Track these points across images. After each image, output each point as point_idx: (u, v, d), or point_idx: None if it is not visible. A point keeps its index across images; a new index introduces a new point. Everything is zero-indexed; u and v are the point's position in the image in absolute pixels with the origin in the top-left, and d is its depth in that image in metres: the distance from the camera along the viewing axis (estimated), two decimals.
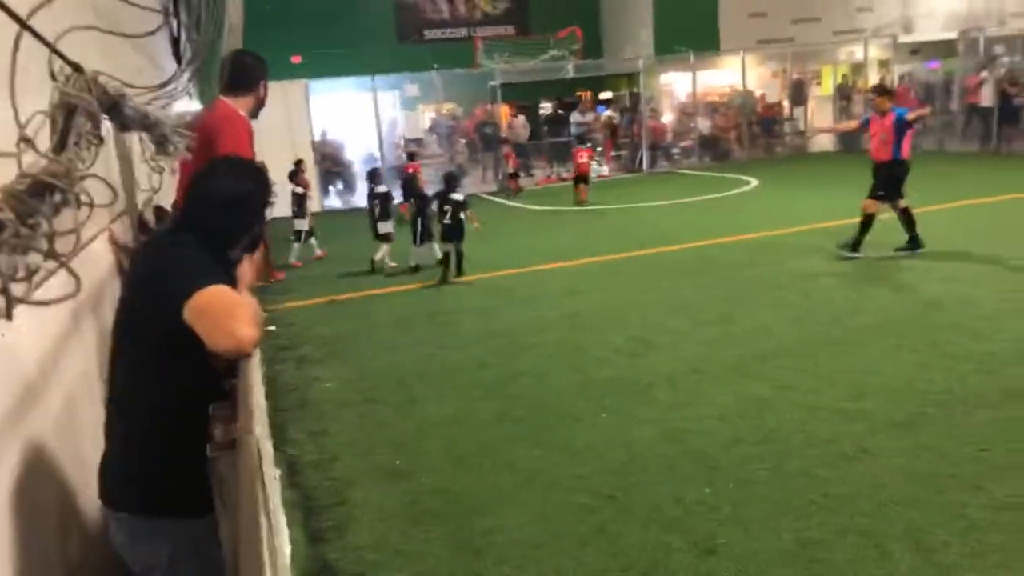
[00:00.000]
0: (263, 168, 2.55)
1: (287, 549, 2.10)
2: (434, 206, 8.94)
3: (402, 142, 17.49)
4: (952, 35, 19.35)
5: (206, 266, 2.03)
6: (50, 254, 1.25)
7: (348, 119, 17.34)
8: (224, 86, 4.03)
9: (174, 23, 9.08)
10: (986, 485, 3.56)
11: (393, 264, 9.44)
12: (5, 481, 1.95)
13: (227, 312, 1.87)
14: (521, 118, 19.56)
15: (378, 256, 9.51)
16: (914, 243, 8.08)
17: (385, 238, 9.46)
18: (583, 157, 14.23)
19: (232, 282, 2.12)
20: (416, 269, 9.25)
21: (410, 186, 10.00)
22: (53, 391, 2.40)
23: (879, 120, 8.17)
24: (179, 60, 6.32)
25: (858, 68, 20.68)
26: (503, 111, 18.49)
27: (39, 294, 1.31)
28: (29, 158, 1.26)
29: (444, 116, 18.77)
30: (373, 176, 10.11)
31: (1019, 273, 7.01)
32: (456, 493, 3.92)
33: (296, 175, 10.62)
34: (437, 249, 9.16)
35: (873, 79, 20.57)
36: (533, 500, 3.79)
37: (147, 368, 2.06)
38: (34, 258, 1.23)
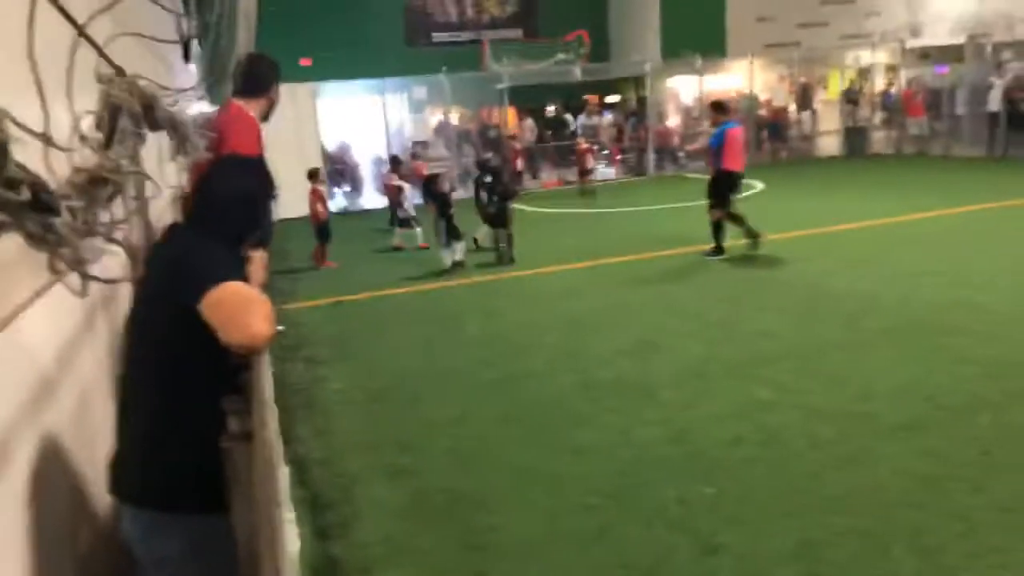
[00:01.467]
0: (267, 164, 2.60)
1: (296, 544, 2.13)
2: (483, 194, 9.75)
3: (409, 145, 17.54)
4: (960, 40, 19.33)
5: (224, 261, 2.07)
6: (110, 239, 1.32)
7: (356, 121, 17.39)
8: (237, 88, 4.09)
9: (184, 24, 9.17)
10: (988, 487, 3.59)
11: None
12: (20, 472, 1.99)
13: (243, 307, 1.91)
14: (528, 121, 19.62)
15: (480, 235, 10.33)
16: (717, 251, 8.82)
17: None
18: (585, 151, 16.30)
19: (245, 279, 2.17)
20: (457, 266, 9.45)
21: (430, 187, 10.18)
22: (68, 385, 2.45)
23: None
24: (187, 59, 6.40)
25: (865, 72, 20.66)
26: (511, 114, 18.54)
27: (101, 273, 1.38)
28: (78, 155, 1.33)
29: (457, 122, 18.74)
30: (483, 165, 10.72)
31: (1021, 277, 7.02)
32: (460, 492, 3.96)
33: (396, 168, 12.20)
34: (459, 250, 9.46)
35: (880, 84, 20.62)
36: (536, 499, 3.82)
37: (162, 362, 2.10)
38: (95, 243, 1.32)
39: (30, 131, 0.94)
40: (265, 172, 2.46)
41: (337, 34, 19.28)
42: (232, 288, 1.97)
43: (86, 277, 1.22)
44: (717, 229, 8.82)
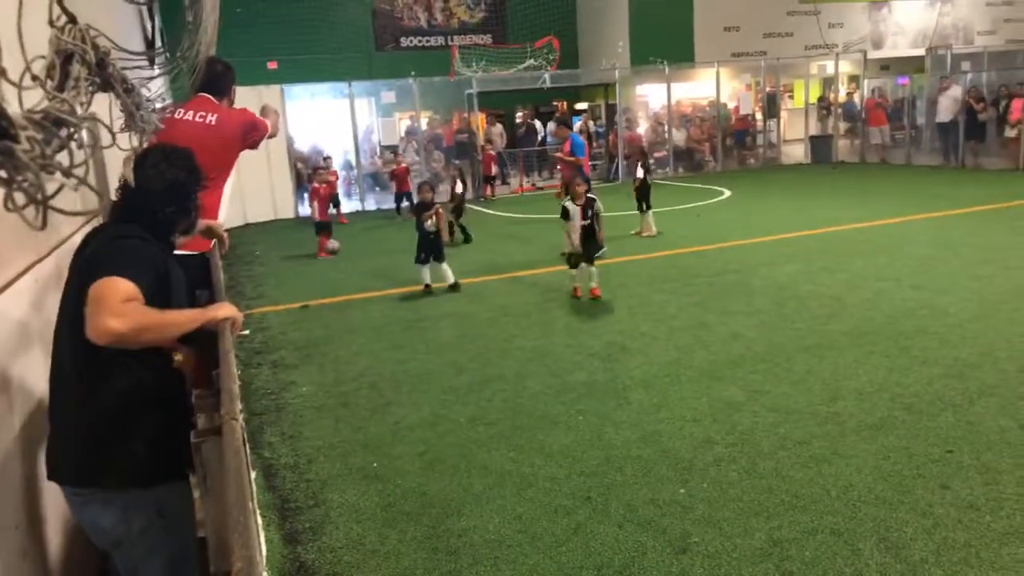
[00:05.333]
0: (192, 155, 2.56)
1: (263, 549, 2.09)
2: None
3: (378, 149, 17.43)
4: (920, 52, 19.81)
5: (131, 259, 2.08)
6: (67, 173, 1.29)
7: (324, 125, 17.24)
8: (204, 88, 4.06)
9: (148, 25, 9.02)
10: (952, 484, 3.65)
11: None
12: None
13: (104, 302, 1.91)
14: (498, 127, 19.62)
15: None
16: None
17: None
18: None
19: (164, 272, 2.17)
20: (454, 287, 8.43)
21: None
22: (28, 378, 2.38)
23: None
24: (152, 61, 6.29)
25: (829, 82, 21.07)
26: (480, 120, 18.53)
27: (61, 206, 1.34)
28: (31, 98, 1.30)
29: (426, 126, 18.65)
30: None
31: (980, 281, 7.18)
32: (431, 495, 3.92)
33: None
34: (447, 270, 8.49)
35: (843, 94, 21.03)
36: (508, 501, 3.80)
37: (86, 351, 2.08)
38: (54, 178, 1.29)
39: None
40: (193, 162, 2.44)
41: (305, 37, 19.13)
42: (109, 284, 1.97)
43: (45, 207, 1.18)
44: None
